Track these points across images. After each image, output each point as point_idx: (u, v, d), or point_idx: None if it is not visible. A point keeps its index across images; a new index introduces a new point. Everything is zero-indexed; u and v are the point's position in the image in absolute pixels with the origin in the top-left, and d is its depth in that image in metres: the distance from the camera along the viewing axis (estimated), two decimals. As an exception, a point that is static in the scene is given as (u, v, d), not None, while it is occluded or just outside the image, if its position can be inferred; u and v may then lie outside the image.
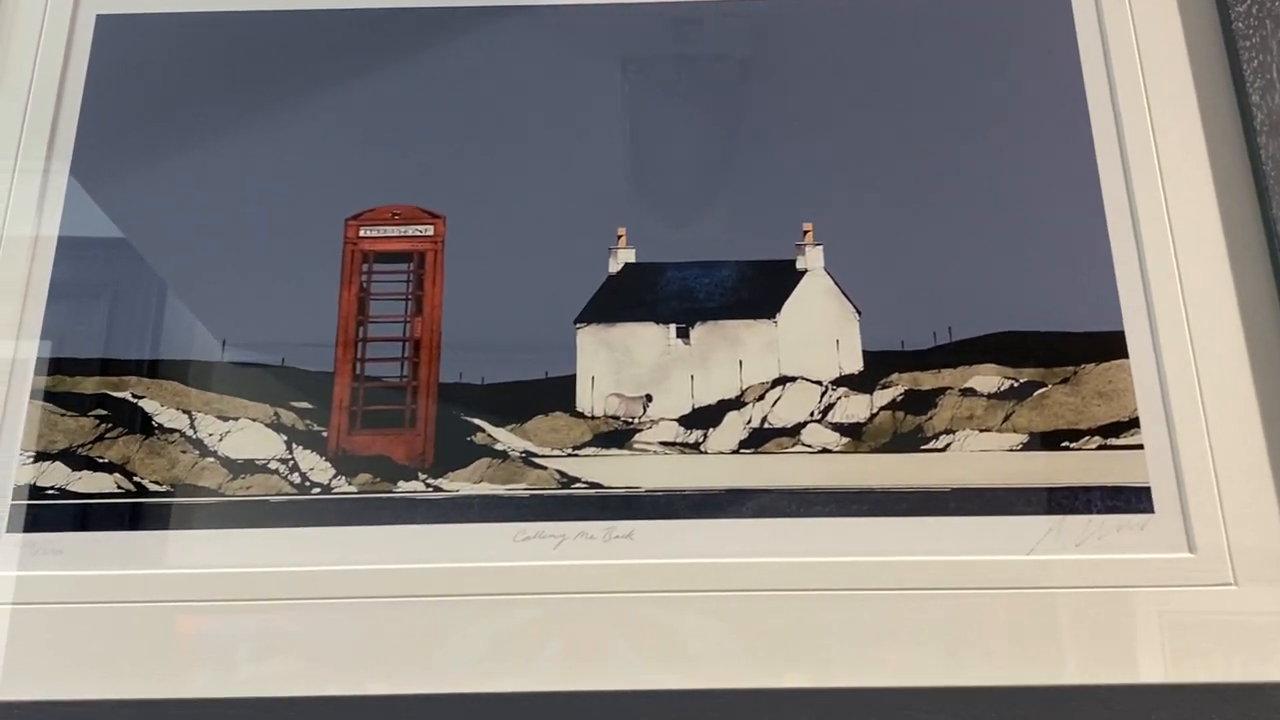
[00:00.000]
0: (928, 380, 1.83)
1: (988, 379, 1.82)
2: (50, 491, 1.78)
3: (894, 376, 1.83)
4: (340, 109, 2.05)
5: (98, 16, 2.07)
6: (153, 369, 1.87)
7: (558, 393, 1.85)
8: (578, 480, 1.77)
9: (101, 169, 2.00)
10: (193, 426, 1.83)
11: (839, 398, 1.82)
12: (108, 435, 1.83)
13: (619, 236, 1.95)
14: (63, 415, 1.83)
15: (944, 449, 1.77)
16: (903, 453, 1.77)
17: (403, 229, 1.96)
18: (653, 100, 2.05)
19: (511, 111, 2.06)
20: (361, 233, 1.95)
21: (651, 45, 2.09)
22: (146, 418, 1.84)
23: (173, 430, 1.83)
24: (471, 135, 2.04)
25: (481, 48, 2.09)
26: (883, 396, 1.82)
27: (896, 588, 1.69)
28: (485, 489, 1.77)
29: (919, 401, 1.81)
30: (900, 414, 1.80)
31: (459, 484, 1.76)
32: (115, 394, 1.86)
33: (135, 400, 1.85)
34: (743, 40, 2.11)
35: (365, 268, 1.94)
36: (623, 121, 2.03)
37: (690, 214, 1.98)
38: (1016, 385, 1.82)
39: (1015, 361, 1.83)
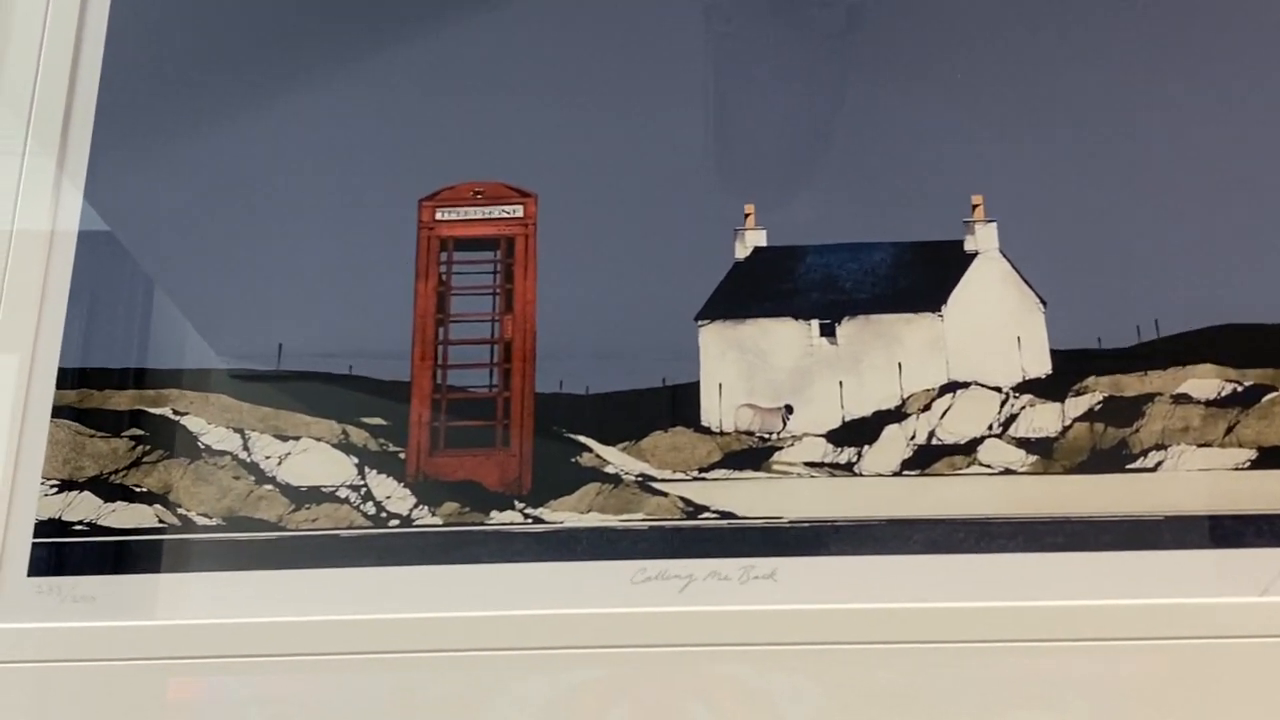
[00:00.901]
0: (1131, 385, 1.68)
1: (1205, 383, 1.67)
2: (79, 527, 1.70)
3: (1090, 381, 1.68)
4: (405, 69, 1.93)
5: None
6: (197, 380, 1.79)
7: (679, 404, 1.71)
8: (706, 509, 1.66)
9: (124, 148, 1.88)
10: (246, 448, 1.72)
11: (1023, 407, 1.68)
12: (145, 459, 1.75)
13: (746, 215, 1.81)
14: (91, 436, 1.73)
15: (1154, 468, 1.62)
16: (1104, 473, 1.63)
17: (487, 210, 1.83)
18: (747, 55, 1.91)
19: (608, 68, 1.93)
20: (439, 215, 1.83)
21: None
22: (191, 438, 1.76)
23: (223, 452, 1.73)
24: (560, 97, 1.91)
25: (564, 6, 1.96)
26: (1077, 405, 1.67)
27: (1102, 638, 1.54)
28: (595, 520, 1.64)
29: (1122, 411, 1.66)
30: (1099, 426, 1.65)
31: (563, 514, 1.64)
32: (153, 410, 1.77)
33: (177, 417, 1.77)
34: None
35: (444, 257, 1.82)
36: (712, 79, 1.90)
37: (816, 187, 1.83)
38: (1240, 390, 1.66)
39: (1238, 361, 1.68)
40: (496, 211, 1.87)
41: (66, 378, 1.81)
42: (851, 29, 1.95)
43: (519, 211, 1.86)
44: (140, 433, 1.77)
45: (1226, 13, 1.90)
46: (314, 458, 1.74)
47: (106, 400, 1.79)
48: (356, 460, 1.74)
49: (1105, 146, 1.86)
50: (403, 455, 1.73)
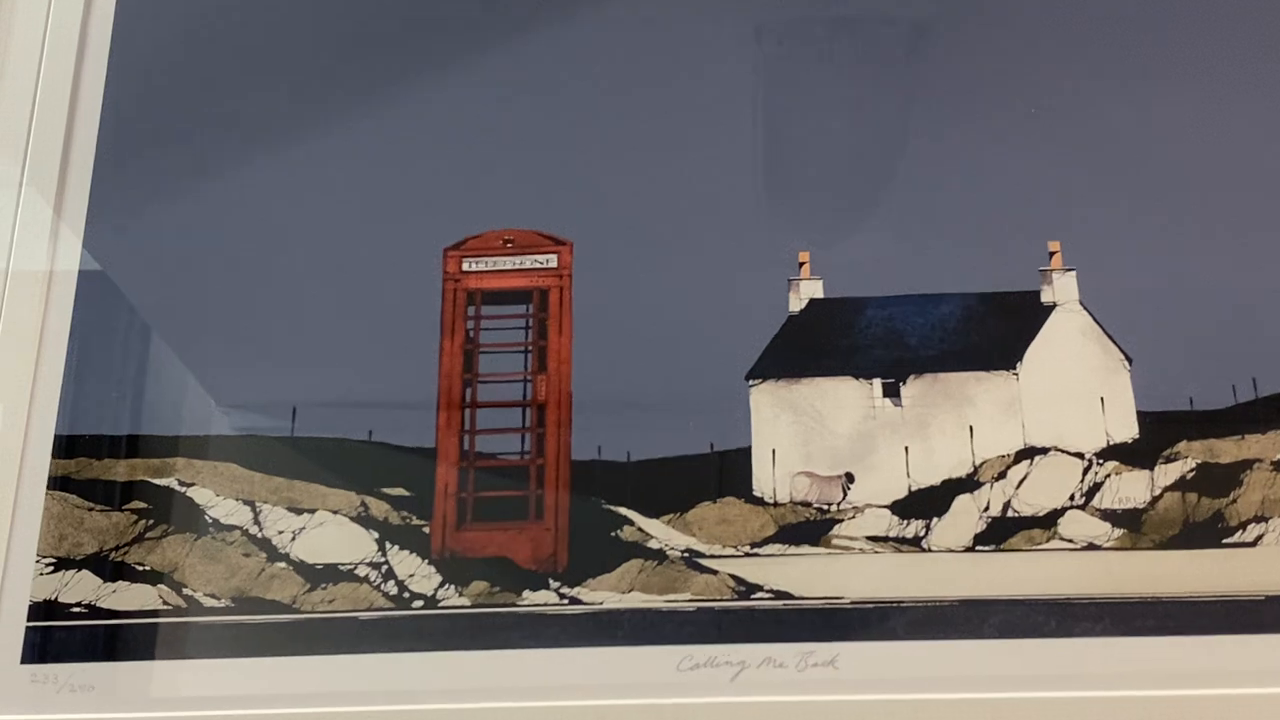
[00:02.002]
0: (1228, 450, 1.70)
1: (1310, 447, 1.70)
2: (76, 609, 1.75)
3: (1181, 446, 1.70)
4: (429, 107, 1.99)
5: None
6: (204, 447, 1.84)
7: (728, 472, 1.75)
8: (759, 589, 1.70)
9: (121, 191, 1.95)
10: (257, 522, 1.77)
11: (1108, 475, 1.70)
12: (148, 535, 1.80)
13: (801, 264, 1.85)
14: (90, 510, 1.78)
15: (1254, 543, 1.64)
16: (1198, 548, 1.65)
17: (518, 260, 1.88)
18: (800, 80, 1.95)
19: (648, 101, 1.98)
20: (465, 266, 1.88)
21: (798, 7, 2.00)
22: (198, 511, 1.82)
23: (232, 527, 1.79)
24: (596, 135, 1.97)
25: (592, 23, 2.01)
26: (1168, 473, 1.70)
27: (1200, 733, 1.56)
28: (638, 600, 1.68)
29: (1217, 479, 1.68)
30: (1192, 496, 1.67)
31: (602, 594, 1.68)
32: (156, 481, 1.83)
33: (182, 488, 1.83)
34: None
35: (472, 311, 1.86)
36: (761, 109, 1.94)
37: (876, 231, 1.87)
38: (1350, 455, 1.69)
39: (1347, 423, 1.70)
40: (528, 261, 1.92)
41: (62, 445, 1.86)
42: (918, 49, 1.99)
43: (553, 261, 1.91)
44: (143, 505, 1.82)
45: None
46: (331, 532, 1.78)
47: (106, 470, 1.84)
48: (377, 535, 1.78)
49: (1195, 187, 1.89)
50: (427, 529, 1.77)
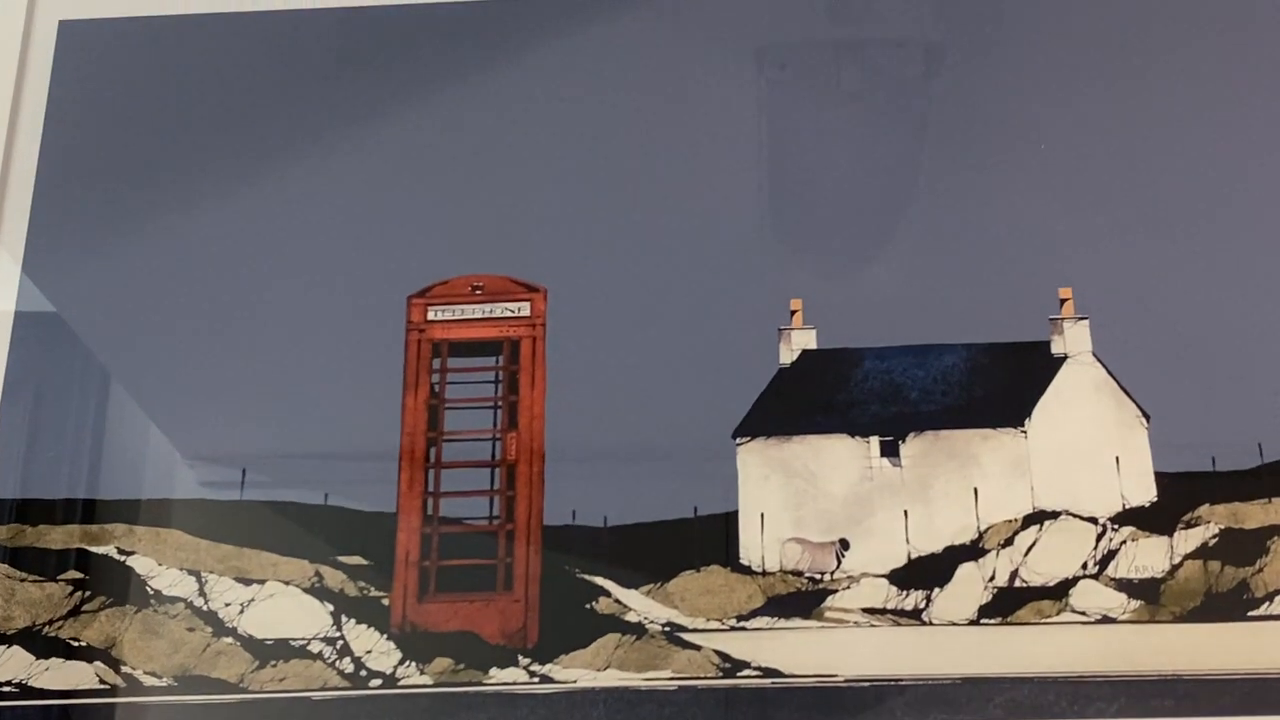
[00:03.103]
0: (1253, 515, 1.73)
1: (1343, 512, 1.73)
2: (6, 689, 1.79)
3: (1203, 510, 1.74)
4: (395, 145, 2.03)
5: (60, 23, 2.08)
6: (146, 513, 1.88)
7: (713, 538, 1.78)
8: (746, 665, 1.74)
9: (61, 234, 1.99)
10: (203, 593, 1.80)
11: (1123, 542, 1.74)
12: (85, 608, 1.84)
13: (793, 312, 1.89)
14: (22, 580, 1.82)
15: (1282, 615, 1.67)
16: (1222, 621, 1.68)
17: (488, 308, 1.92)
18: (803, 109, 2.00)
19: (630, 134, 2.03)
20: (431, 314, 1.92)
21: (802, 28, 2.05)
22: (139, 582, 1.86)
23: (176, 599, 1.84)
24: (574, 172, 2.01)
25: (573, 48, 2.06)
26: (1188, 539, 1.73)
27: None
28: (614, 678, 1.71)
29: (1242, 546, 1.71)
30: (1215, 565, 1.71)
31: (576, 672, 1.71)
32: (95, 549, 1.87)
33: (122, 557, 1.87)
34: (929, 16, 2.05)
35: (437, 363, 1.90)
36: (756, 144, 1.99)
37: (887, 271, 1.91)
38: (1386, 520, 1.72)
39: (1383, 485, 1.73)
40: (499, 309, 1.96)
41: (-7, 509, 1.89)
42: (929, 74, 2.03)
43: (525, 309, 1.95)
44: (80, 576, 1.85)
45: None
46: (282, 605, 1.81)
47: (40, 537, 1.87)
48: (332, 607, 1.81)
49: (1219, 227, 1.93)
50: (386, 601, 1.80)
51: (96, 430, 1.87)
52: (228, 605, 1.79)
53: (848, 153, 1.97)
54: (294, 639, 1.76)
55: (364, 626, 1.77)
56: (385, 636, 1.76)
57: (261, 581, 1.80)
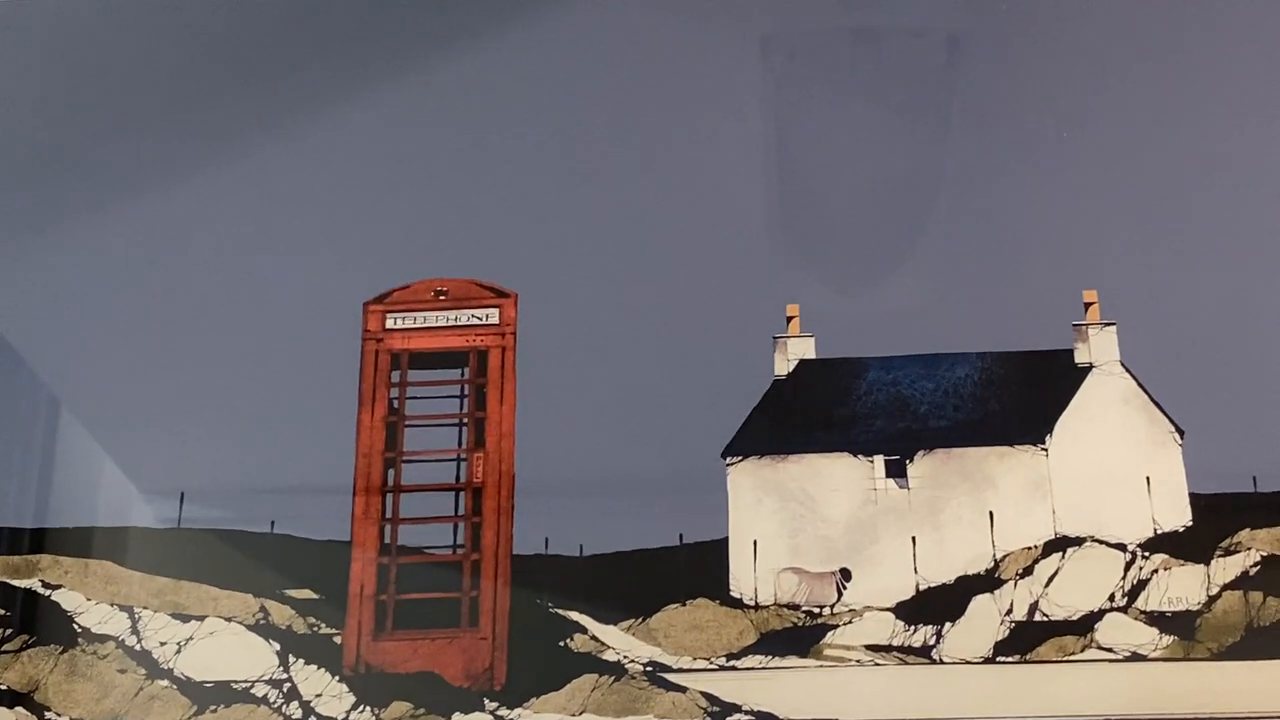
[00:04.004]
0: (1299, 540, 1.72)
1: (1399, 536, 1.71)
2: (-84, 737, 1.75)
3: (1243, 535, 1.72)
4: (351, 133, 2.02)
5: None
6: (73, 542, 1.87)
7: (700, 568, 1.77)
8: (737, 709, 1.75)
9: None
10: (135, 631, 1.79)
11: (1155, 570, 1.72)
12: (5, 647, 1.85)
13: (789, 319, 1.88)
14: (-62, 616, 1.81)
15: (1332, 652, 1.65)
16: (1264, 659, 1.67)
17: (453, 315, 1.91)
18: (822, 101, 1.99)
19: (608, 125, 2.01)
20: (390, 323, 1.91)
21: (810, 17, 2.04)
22: (65, 618, 1.84)
23: (105, 637, 1.83)
24: (550, 167, 2.00)
25: (553, 35, 2.05)
26: (1226, 568, 1.72)
27: None
28: (591, 725, 1.70)
29: (1287, 575, 1.70)
30: (1257, 596, 1.69)
31: (549, 716, 1.71)
32: (16, 582, 1.89)
33: (48, 591, 1.85)
34: (947, 5, 2.04)
35: (396, 377, 1.89)
36: (768, 133, 1.98)
37: (892, 273, 1.90)
38: None
39: None
40: (465, 316, 1.94)
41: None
42: (948, 66, 2.02)
43: (494, 316, 1.94)
44: (0, 612, 1.83)
45: None
46: (223, 643, 1.80)
47: (-43, 569, 1.87)
48: (279, 646, 1.79)
49: (1261, 226, 1.91)
50: (339, 639, 1.79)
51: (19, 454, 1.85)
52: (163, 644, 1.78)
53: (853, 147, 1.96)
54: (236, 681, 1.75)
55: (314, 667, 1.75)
56: (337, 678, 1.75)
57: (200, 618, 1.79)
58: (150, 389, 1.86)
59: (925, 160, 1.94)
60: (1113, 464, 1.79)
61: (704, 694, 1.74)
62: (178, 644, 1.76)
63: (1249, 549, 1.76)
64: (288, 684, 1.74)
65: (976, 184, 1.91)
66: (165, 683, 1.75)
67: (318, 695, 1.74)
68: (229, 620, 1.77)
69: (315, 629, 1.76)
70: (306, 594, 1.79)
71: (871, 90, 2.00)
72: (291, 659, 1.75)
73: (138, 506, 1.83)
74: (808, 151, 1.97)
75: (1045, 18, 1.98)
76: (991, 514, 1.78)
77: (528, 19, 2.05)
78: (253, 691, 1.75)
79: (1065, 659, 1.72)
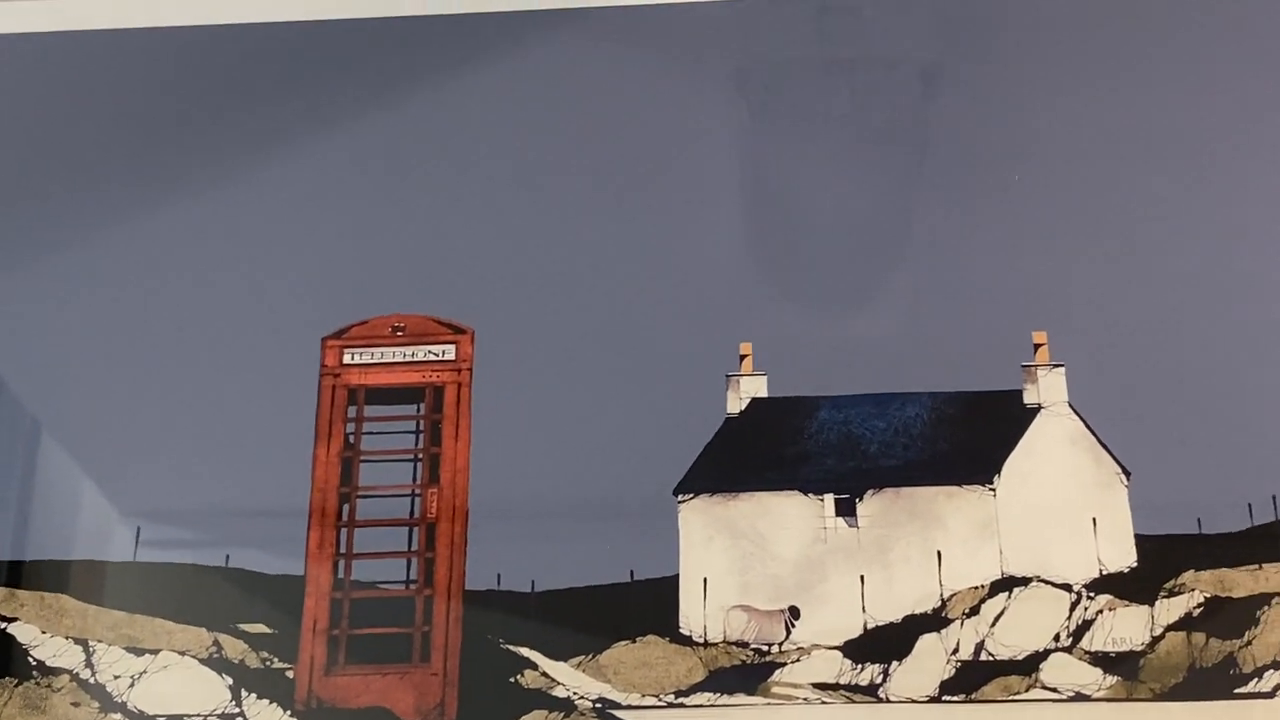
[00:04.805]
0: (1241, 582, 1.74)
1: (1340, 579, 1.73)
2: None
3: (1187, 576, 1.74)
4: (311, 172, 2.04)
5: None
6: (28, 575, 1.84)
7: (651, 605, 1.79)
8: None
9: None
10: (90, 664, 1.80)
11: (1099, 611, 1.74)
12: None
13: (742, 357, 1.90)
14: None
15: (1272, 693, 1.67)
16: (1206, 699, 1.68)
17: (410, 351, 1.93)
18: (784, 133, 2.01)
19: (569, 160, 2.03)
20: (347, 358, 1.93)
21: (781, 47, 2.06)
22: (19, 651, 1.84)
23: (59, 670, 1.84)
24: (507, 203, 2.02)
25: (523, 62, 2.07)
26: (1170, 609, 1.74)
27: None
28: (540, 761, 1.71)
29: (1229, 617, 1.72)
30: (1199, 637, 1.71)
31: None
32: None
33: (3, 624, 1.84)
34: (925, 36, 2.06)
35: (353, 412, 1.91)
36: (740, 166, 2.00)
37: (844, 312, 1.92)
38: (1387, 589, 1.73)
39: (1383, 550, 1.74)
40: (421, 352, 1.96)
41: None
42: (915, 100, 2.05)
43: (450, 352, 1.95)
44: (-46, 645, 1.84)
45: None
46: (177, 677, 1.81)
47: (-93, 601, 1.88)
48: (231, 680, 1.81)
49: (1208, 272, 1.93)
50: (291, 674, 1.80)
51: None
52: (117, 678, 1.79)
53: (811, 186, 1.98)
54: (188, 715, 1.77)
55: (265, 702, 1.77)
56: (289, 713, 1.76)
57: (154, 651, 1.80)
58: (104, 425, 1.87)
59: (881, 200, 1.96)
60: (1060, 505, 1.80)
61: (653, 730, 1.76)
62: (131, 677, 1.78)
63: (1192, 590, 1.78)
64: (239, 718, 1.75)
65: (931, 229, 1.93)
66: (119, 716, 1.76)
67: (270, 730, 1.76)
68: (182, 654, 1.79)
69: (268, 663, 1.78)
70: (260, 628, 1.80)
71: (836, 126, 2.02)
72: (244, 693, 1.76)
73: (93, 540, 1.84)
74: (765, 189, 1.99)
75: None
76: (939, 553, 1.80)
77: (490, 55, 2.08)
78: (207, 725, 1.76)
79: (1010, 699, 1.74)
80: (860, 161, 1.95)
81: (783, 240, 1.91)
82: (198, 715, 1.76)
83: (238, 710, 1.76)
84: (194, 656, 1.79)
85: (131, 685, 1.78)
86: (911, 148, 1.93)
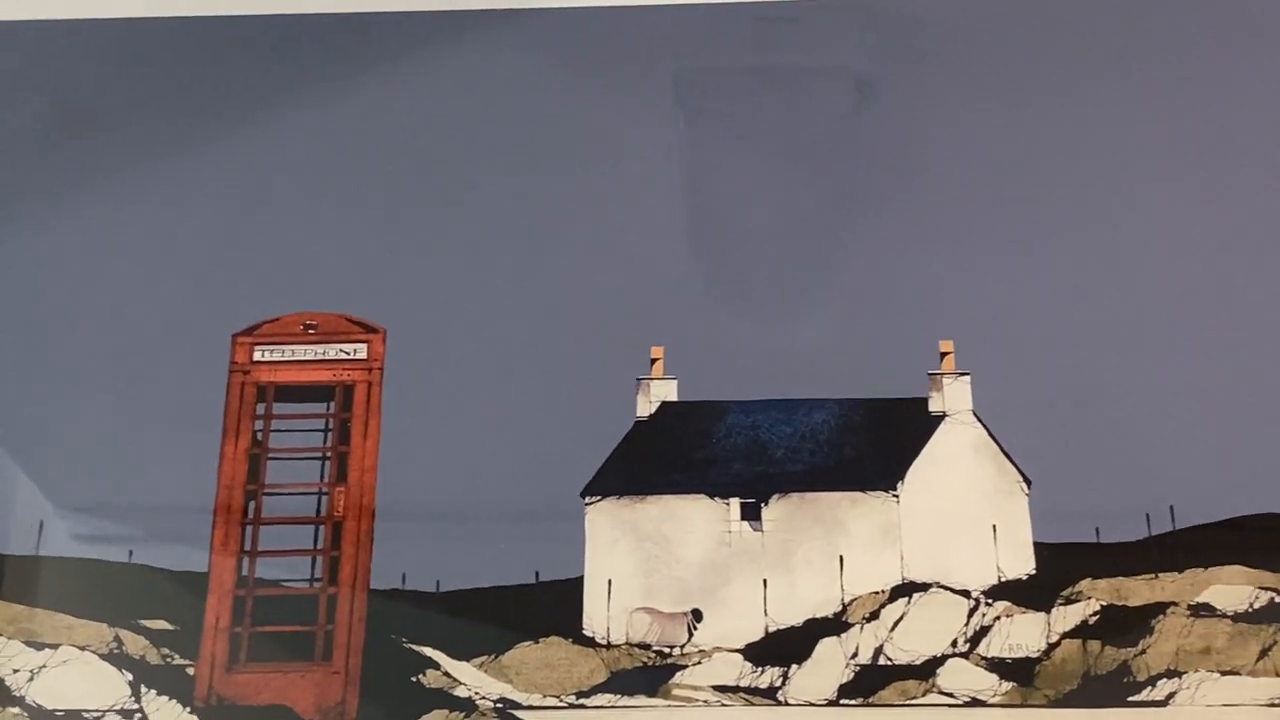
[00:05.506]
0: (1137, 591, 1.76)
1: (1233, 589, 1.76)
2: None
3: (1084, 585, 1.77)
4: (229, 161, 2.04)
5: None
6: None
7: (555, 606, 1.80)
8: None
9: None
10: (-12, 658, 1.79)
11: (997, 618, 1.76)
12: None
13: (653, 360, 1.91)
14: None
15: (1164, 701, 1.70)
16: (1100, 707, 1.70)
17: (321, 349, 1.94)
18: (720, 141, 2.03)
19: (488, 161, 2.04)
20: (257, 355, 1.93)
21: (719, 54, 2.08)
22: (-82, 644, 1.80)
23: None
24: (423, 201, 2.03)
25: (448, 62, 2.08)
26: (1067, 616, 1.76)
27: None
28: (439, 760, 1.72)
29: (1124, 625, 1.74)
30: (1095, 645, 1.73)
31: None
32: None
33: (-98, 616, 1.82)
34: (862, 49, 2.08)
35: (261, 409, 1.91)
36: (670, 170, 2.01)
37: (767, 316, 1.94)
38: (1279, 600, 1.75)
39: (1277, 562, 1.76)
40: (333, 351, 1.97)
41: None
42: (862, 107, 2.07)
43: (361, 351, 1.96)
44: None
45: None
46: (76, 672, 1.81)
47: None
48: (131, 676, 1.81)
49: (1114, 286, 1.96)
50: (192, 670, 1.80)
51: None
52: (15, 672, 1.78)
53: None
54: (87, 711, 1.76)
55: (165, 698, 1.77)
56: (188, 710, 1.76)
57: (54, 646, 1.80)
58: (12, 419, 1.87)
59: (796, 209, 1.98)
60: (961, 512, 1.82)
61: (553, 731, 1.77)
62: (30, 672, 1.77)
63: (1089, 598, 1.80)
64: (139, 715, 1.75)
65: (843, 233, 1.95)
66: (17, 710, 1.76)
67: (168, 727, 1.76)
68: (82, 649, 1.78)
69: (169, 660, 1.78)
70: (162, 624, 1.80)
71: (762, 135, 2.04)
72: (144, 689, 1.76)
73: (-6, 534, 1.84)
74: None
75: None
76: (842, 558, 1.82)
77: (417, 54, 2.09)
78: (105, 721, 1.76)
79: (906, 703, 1.76)
80: (779, 171, 1.97)
81: (697, 245, 1.92)
82: (96, 711, 1.76)
83: (136, 706, 1.76)
84: (94, 652, 1.79)
85: (31, 679, 1.78)
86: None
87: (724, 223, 1.99)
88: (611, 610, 1.80)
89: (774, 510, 1.82)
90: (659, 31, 2.08)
